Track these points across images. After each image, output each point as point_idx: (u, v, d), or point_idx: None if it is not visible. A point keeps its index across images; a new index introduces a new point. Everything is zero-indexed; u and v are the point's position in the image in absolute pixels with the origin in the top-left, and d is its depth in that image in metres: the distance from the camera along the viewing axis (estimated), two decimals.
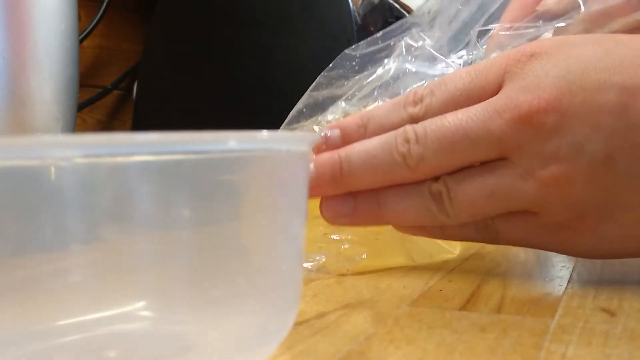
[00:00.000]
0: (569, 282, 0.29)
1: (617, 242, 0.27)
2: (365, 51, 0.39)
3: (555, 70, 0.25)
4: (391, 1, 0.69)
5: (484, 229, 0.29)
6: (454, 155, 0.27)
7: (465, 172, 0.27)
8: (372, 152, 0.28)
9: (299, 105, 0.38)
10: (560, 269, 0.32)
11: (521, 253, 0.36)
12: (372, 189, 0.29)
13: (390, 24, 0.66)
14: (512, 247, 0.38)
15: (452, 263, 0.34)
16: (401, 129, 0.28)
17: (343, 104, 0.36)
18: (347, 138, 0.30)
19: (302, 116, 0.37)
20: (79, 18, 0.50)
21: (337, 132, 0.30)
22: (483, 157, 0.27)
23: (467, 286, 0.29)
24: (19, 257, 0.16)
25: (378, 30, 0.39)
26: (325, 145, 0.30)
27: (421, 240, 0.33)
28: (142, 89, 0.74)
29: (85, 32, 0.70)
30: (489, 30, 0.35)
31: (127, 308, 0.18)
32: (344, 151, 0.29)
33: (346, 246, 0.32)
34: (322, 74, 0.38)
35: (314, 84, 0.38)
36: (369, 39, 0.39)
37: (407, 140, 0.27)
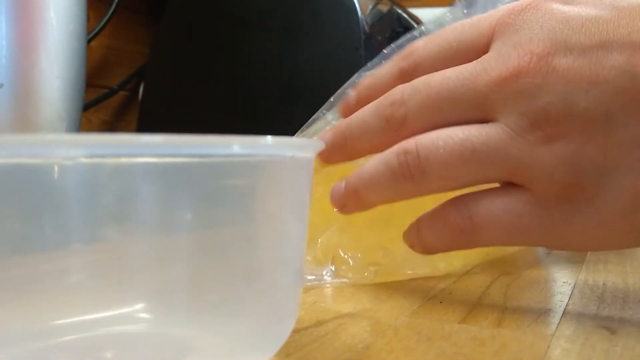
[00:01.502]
0: (570, 298, 0.29)
1: (618, 219, 0.23)
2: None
3: (551, 22, 0.23)
4: (399, 11, 0.69)
5: (455, 212, 0.25)
6: (436, 116, 0.25)
7: (442, 129, 0.24)
8: (365, 118, 0.27)
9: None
10: (562, 284, 0.32)
11: (523, 267, 0.36)
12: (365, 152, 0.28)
13: (398, 33, 0.66)
14: (515, 260, 0.38)
15: (453, 275, 0.33)
16: (390, 91, 0.27)
17: None
18: (359, 100, 0.29)
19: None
20: (88, 18, 0.51)
21: (353, 93, 0.30)
22: (468, 117, 0.24)
23: (468, 299, 0.28)
24: (19, 255, 0.16)
25: (386, 39, 0.39)
26: (344, 106, 0.30)
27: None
28: (148, 91, 0.74)
29: (94, 32, 0.70)
30: None
31: (126, 309, 0.18)
32: (346, 120, 0.28)
33: (352, 263, 0.32)
34: (336, 93, 0.38)
35: (326, 104, 0.38)
36: (379, 58, 0.38)
37: (393, 103, 0.26)
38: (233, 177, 0.17)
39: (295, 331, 0.23)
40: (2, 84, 0.42)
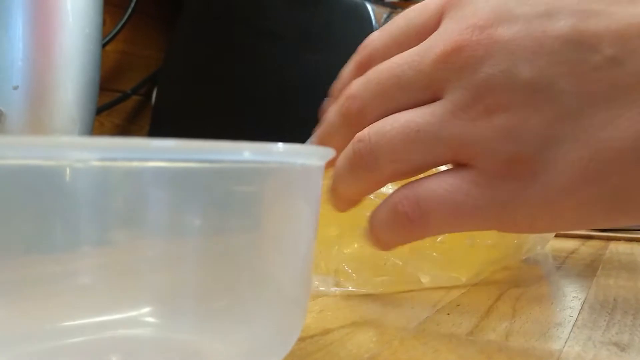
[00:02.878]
0: (579, 313, 0.28)
1: (565, 194, 0.21)
2: None
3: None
4: None
5: (404, 200, 0.24)
6: (389, 103, 0.24)
7: (392, 115, 0.24)
8: (329, 120, 0.27)
9: None
10: (572, 299, 0.31)
11: (533, 280, 0.35)
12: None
13: None
14: (523, 274, 0.38)
15: (461, 287, 0.33)
16: (347, 87, 0.26)
17: None
18: (331, 103, 0.29)
19: None
20: (104, 22, 0.51)
21: (328, 99, 0.30)
22: (418, 100, 0.24)
23: (476, 312, 0.28)
24: (28, 256, 0.16)
25: None
26: (322, 114, 0.29)
27: (429, 265, 0.33)
28: (161, 96, 0.75)
29: (109, 36, 0.71)
30: None
31: (133, 313, 0.18)
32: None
33: (359, 274, 0.32)
34: None
35: None
36: None
37: (348, 97, 0.26)
38: (243, 183, 0.17)
39: (301, 339, 0.23)
40: (17, 86, 0.42)
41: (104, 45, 0.68)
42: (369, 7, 0.62)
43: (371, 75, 0.25)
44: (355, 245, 0.33)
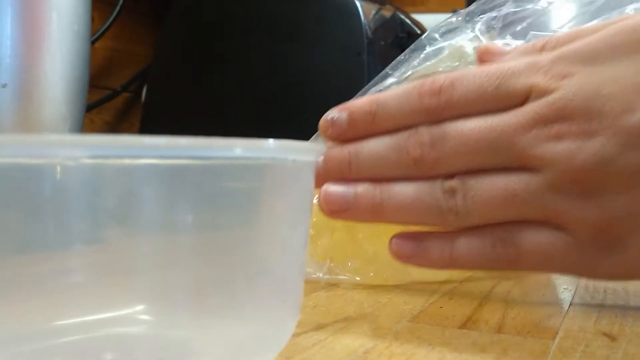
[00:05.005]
0: (570, 304, 0.29)
1: None
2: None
3: (584, 89, 0.25)
4: (402, 16, 0.69)
5: (500, 242, 0.26)
6: (472, 163, 0.26)
7: (485, 172, 0.26)
8: (381, 153, 0.27)
9: None
10: (563, 291, 0.32)
11: (524, 273, 0.36)
12: (375, 180, 0.28)
13: (401, 39, 0.66)
14: None
15: (454, 281, 0.33)
16: (414, 130, 0.27)
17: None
18: (353, 124, 0.28)
19: None
20: (92, 19, 0.51)
21: (344, 115, 0.29)
22: (505, 166, 0.26)
23: (469, 304, 0.28)
24: (21, 255, 0.16)
25: (389, 45, 0.38)
26: (331, 129, 0.29)
27: None
28: (151, 93, 0.75)
29: (98, 33, 0.71)
30: None
31: (127, 311, 0.18)
32: (354, 148, 0.28)
33: (350, 262, 0.32)
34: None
35: None
36: (380, 75, 0.38)
37: (421, 144, 0.26)
38: (235, 179, 0.17)
39: (296, 335, 0.23)
40: (6, 84, 0.42)
41: (93, 42, 0.68)
42: (358, 3, 0.62)
43: (450, 131, 0.26)
44: (344, 235, 0.33)
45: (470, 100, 0.27)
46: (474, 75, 0.27)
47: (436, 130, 0.27)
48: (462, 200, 0.26)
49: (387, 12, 0.66)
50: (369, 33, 0.62)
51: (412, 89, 0.28)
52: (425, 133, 0.27)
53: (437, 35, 0.37)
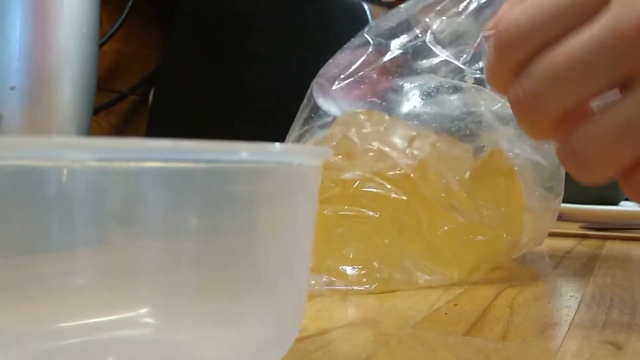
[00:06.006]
0: (576, 312, 0.28)
1: None
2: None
3: None
4: None
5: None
6: (575, 94, 0.24)
7: (587, 121, 0.24)
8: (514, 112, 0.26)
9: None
10: (569, 298, 0.31)
11: (529, 280, 0.35)
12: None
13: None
14: (520, 272, 0.38)
15: (458, 287, 0.33)
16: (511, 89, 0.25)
17: None
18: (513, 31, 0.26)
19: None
20: (100, 22, 0.51)
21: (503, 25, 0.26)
22: (610, 85, 0.24)
23: (473, 311, 0.28)
24: (25, 256, 0.16)
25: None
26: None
27: (421, 262, 0.33)
28: (158, 96, 0.75)
29: (106, 36, 0.71)
30: None
31: (131, 314, 0.18)
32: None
33: (352, 272, 0.32)
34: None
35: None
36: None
37: (515, 98, 0.25)
38: (240, 183, 0.17)
39: (299, 339, 0.23)
40: (14, 87, 0.42)
41: (100, 45, 0.68)
42: (366, 6, 0.62)
43: (542, 65, 0.24)
44: (347, 245, 0.33)
45: (550, 25, 0.24)
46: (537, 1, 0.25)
47: (535, 72, 0.24)
48: (584, 160, 0.24)
49: None
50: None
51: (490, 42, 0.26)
52: (523, 79, 0.25)
53: (377, 31, 0.38)
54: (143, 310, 0.18)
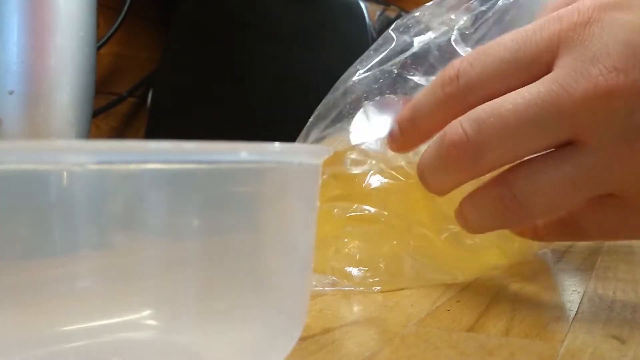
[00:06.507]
0: (579, 306, 0.28)
1: None
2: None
3: (622, 34, 0.22)
4: None
5: (568, 229, 0.27)
6: (518, 147, 0.24)
7: (532, 166, 0.24)
8: (432, 163, 0.27)
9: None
10: (571, 293, 0.31)
11: (532, 274, 0.35)
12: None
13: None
14: (522, 268, 0.38)
15: (461, 283, 0.33)
16: (448, 126, 0.25)
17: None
18: (404, 133, 0.29)
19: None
20: (98, 25, 0.51)
21: (396, 127, 0.29)
22: (552, 143, 0.24)
23: (476, 307, 0.28)
24: (27, 261, 0.16)
25: None
26: (391, 143, 0.29)
27: (426, 267, 0.33)
28: (157, 98, 0.75)
29: (104, 39, 0.71)
30: None
31: (133, 316, 0.18)
32: (421, 159, 0.28)
33: (357, 272, 0.32)
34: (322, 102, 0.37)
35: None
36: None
37: (456, 145, 0.25)
38: (241, 183, 0.17)
39: (302, 339, 0.23)
40: (13, 91, 0.42)
41: (98, 48, 0.68)
42: (362, 4, 0.62)
43: (484, 116, 0.24)
44: (354, 245, 0.33)
45: (492, 74, 0.25)
46: (492, 47, 0.25)
47: (468, 121, 0.24)
48: (517, 205, 0.25)
49: (392, 13, 0.66)
50: (374, 34, 0.62)
51: (435, 79, 0.27)
52: (455, 129, 0.25)
53: (402, 28, 0.37)
54: (146, 313, 0.18)
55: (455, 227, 0.34)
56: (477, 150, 0.24)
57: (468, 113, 0.25)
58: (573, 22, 0.23)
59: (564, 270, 0.38)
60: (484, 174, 0.26)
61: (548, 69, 0.24)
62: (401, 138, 0.29)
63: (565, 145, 0.24)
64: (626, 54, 0.22)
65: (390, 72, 0.36)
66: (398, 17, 0.67)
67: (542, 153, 0.25)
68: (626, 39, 0.22)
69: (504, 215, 0.26)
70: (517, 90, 0.24)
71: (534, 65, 0.24)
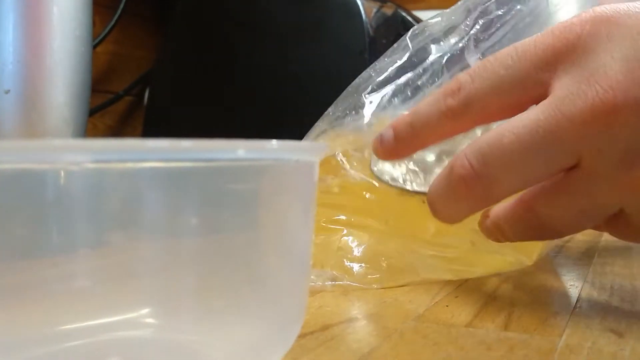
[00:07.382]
0: (577, 301, 0.29)
1: None
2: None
3: (619, 49, 0.22)
4: (404, 14, 0.69)
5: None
6: (526, 177, 0.24)
7: (547, 193, 0.25)
8: (442, 189, 0.26)
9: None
10: (569, 287, 0.32)
11: (529, 269, 0.35)
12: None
13: (402, 36, 0.66)
14: (522, 263, 0.38)
15: (459, 279, 0.33)
16: (454, 159, 0.25)
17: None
18: (399, 138, 0.28)
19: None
20: (94, 24, 0.51)
21: (390, 132, 0.28)
22: (559, 169, 0.24)
23: (474, 302, 0.28)
24: (25, 260, 0.16)
25: (390, 42, 0.38)
26: (380, 147, 0.29)
27: (427, 267, 0.33)
28: (154, 96, 0.75)
29: (99, 38, 0.71)
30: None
31: (132, 314, 0.18)
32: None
33: (358, 268, 0.32)
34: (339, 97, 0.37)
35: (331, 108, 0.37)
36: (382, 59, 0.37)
37: (463, 177, 0.25)
38: (238, 181, 0.17)
39: (301, 336, 0.23)
40: (9, 90, 0.42)
41: (94, 47, 0.68)
42: (359, 2, 0.62)
43: (494, 151, 0.24)
44: (354, 242, 0.33)
45: (488, 89, 0.25)
46: (491, 61, 0.25)
47: (471, 154, 0.25)
48: (541, 228, 0.26)
49: (388, 10, 0.66)
50: (371, 32, 0.62)
51: (440, 90, 0.27)
52: (461, 161, 0.25)
53: (419, 36, 0.37)
54: (144, 311, 0.18)
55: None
56: (487, 183, 0.24)
57: (472, 144, 0.25)
58: (569, 38, 0.23)
59: (562, 265, 0.38)
60: (498, 201, 0.26)
61: (544, 87, 0.24)
62: (393, 143, 0.28)
63: (575, 168, 0.24)
64: (623, 71, 0.22)
65: (404, 92, 0.35)
66: (395, 13, 0.67)
67: (556, 176, 0.25)
68: (623, 55, 0.22)
69: (540, 234, 0.27)
70: (518, 117, 0.24)
71: (528, 81, 0.24)
